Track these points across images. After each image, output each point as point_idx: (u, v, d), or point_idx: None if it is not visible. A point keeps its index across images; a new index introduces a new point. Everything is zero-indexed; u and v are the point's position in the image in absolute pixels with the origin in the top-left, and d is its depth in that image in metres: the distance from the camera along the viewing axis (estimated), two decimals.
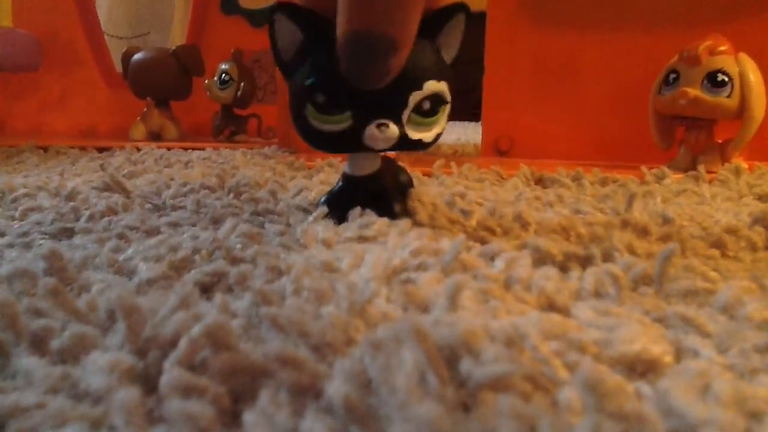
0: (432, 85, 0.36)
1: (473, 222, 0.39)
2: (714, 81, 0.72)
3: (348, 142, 0.36)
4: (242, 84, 1.15)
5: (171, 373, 0.17)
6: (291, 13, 0.36)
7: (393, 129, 0.35)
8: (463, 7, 0.37)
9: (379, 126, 0.35)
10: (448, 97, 0.37)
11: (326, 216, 0.39)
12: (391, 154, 0.72)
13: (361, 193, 0.40)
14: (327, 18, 0.34)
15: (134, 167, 0.72)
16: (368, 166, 0.40)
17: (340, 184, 0.41)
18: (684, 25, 0.87)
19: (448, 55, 0.38)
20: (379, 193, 0.40)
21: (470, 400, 0.16)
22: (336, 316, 0.21)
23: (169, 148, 0.96)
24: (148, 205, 0.46)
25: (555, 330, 0.21)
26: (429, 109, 0.36)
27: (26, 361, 0.19)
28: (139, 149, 0.93)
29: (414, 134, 0.36)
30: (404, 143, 0.36)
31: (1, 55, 1.21)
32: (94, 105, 1.38)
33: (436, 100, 0.36)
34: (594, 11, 0.93)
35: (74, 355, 0.20)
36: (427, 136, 0.37)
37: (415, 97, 0.35)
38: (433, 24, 0.37)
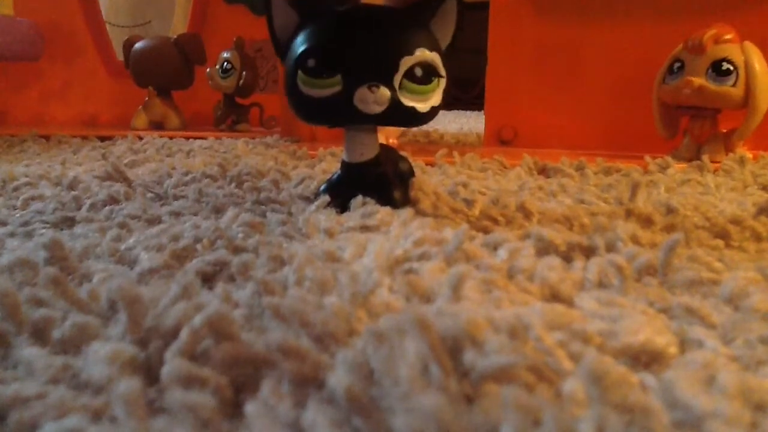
0: (424, 53, 0.36)
1: (476, 212, 0.39)
2: (719, 70, 0.71)
3: (338, 108, 0.36)
4: (244, 73, 1.15)
5: (172, 364, 0.17)
6: None
7: (384, 91, 0.35)
8: None
9: (370, 87, 0.35)
10: (442, 71, 0.37)
11: (328, 205, 0.39)
12: (393, 142, 0.72)
13: (361, 181, 0.40)
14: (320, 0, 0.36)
15: (136, 156, 0.72)
16: (365, 152, 0.40)
17: (339, 172, 0.41)
18: (689, 14, 0.86)
19: (443, 40, 0.38)
20: (378, 179, 0.40)
21: (473, 392, 0.16)
22: (338, 306, 0.21)
23: (170, 138, 0.96)
24: (149, 195, 0.46)
25: (559, 320, 0.20)
26: (422, 77, 0.36)
27: (27, 351, 0.19)
28: (140, 138, 0.93)
29: (407, 101, 0.36)
30: (397, 109, 0.36)
31: (2, 44, 1.20)
32: (96, 94, 1.38)
33: (429, 68, 0.36)
34: (598, 0, 0.92)
35: (75, 345, 0.19)
36: (421, 105, 0.37)
37: (406, 62, 0.35)
38: (425, 8, 0.37)
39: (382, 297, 0.23)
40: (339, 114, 0.37)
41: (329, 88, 0.36)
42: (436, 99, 0.37)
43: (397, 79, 0.36)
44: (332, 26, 0.37)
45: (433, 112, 0.38)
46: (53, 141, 0.93)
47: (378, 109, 0.35)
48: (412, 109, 0.36)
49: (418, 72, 0.36)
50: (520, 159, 0.68)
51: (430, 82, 0.36)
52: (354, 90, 0.35)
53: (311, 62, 0.36)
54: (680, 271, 0.27)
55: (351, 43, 0.36)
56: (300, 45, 0.37)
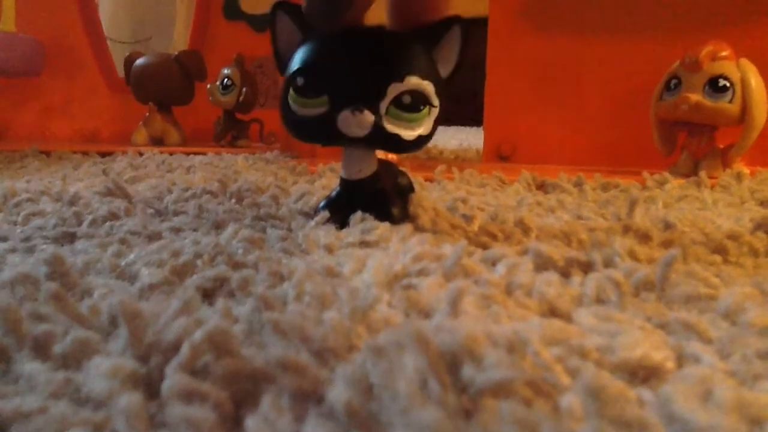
0: (414, 81, 0.35)
1: (475, 227, 0.39)
2: (715, 86, 0.72)
3: (324, 129, 0.36)
4: (244, 89, 1.15)
5: (173, 379, 0.17)
6: (292, 14, 0.38)
7: (368, 116, 0.35)
8: (459, 21, 0.37)
9: (353, 111, 0.35)
10: (435, 100, 0.36)
11: (328, 221, 0.39)
12: (393, 158, 0.73)
13: (359, 197, 0.40)
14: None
15: (136, 172, 0.72)
16: (363, 168, 0.40)
17: (338, 189, 0.41)
18: (685, 31, 0.87)
19: (445, 69, 0.38)
20: (377, 196, 0.40)
21: (472, 406, 0.16)
22: (338, 321, 0.21)
23: (171, 153, 0.96)
24: (150, 210, 0.46)
25: (557, 336, 0.21)
26: (410, 104, 0.36)
27: (28, 366, 0.19)
28: (141, 154, 0.93)
29: (391, 128, 0.36)
30: (380, 135, 0.36)
31: (4, 60, 1.21)
32: (97, 110, 1.38)
33: (419, 97, 0.36)
34: (595, 17, 0.93)
35: (76, 360, 0.20)
36: (406, 133, 0.36)
37: (394, 89, 0.35)
38: (429, 36, 0.37)
39: (382, 312, 0.23)
40: (324, 134, 0.37)
41: (316, 108, 0.36)
42: (425, 128, 0.37)
43: (384, 105, 0.35)
44: (325, 46, 0.37)
45: (420, 141, 0.37)
46: (54, 157, 0.94)
47: (360, 133, 0.35)
48: (396, 136, 0.36)
49: (407, 99, 0.35)
50: (519, 174, 0.68)
51: (418, 110, 0.36)
52: (338, 112, 0.35)
53: (300, 80, 0.36)
54: (678, 287, 0.28)
55: (340, 65, 0.36)
56: (295, 63, 0.37)
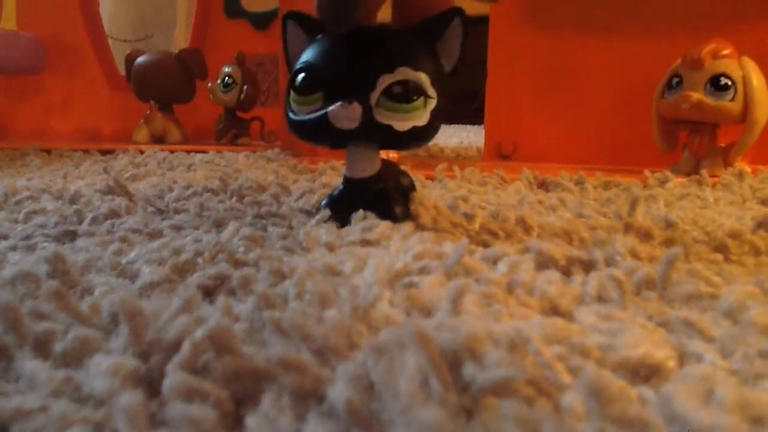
0: (405, 72, 0.36)
1: (476, 226, 0.39)
2: (717, 85, 0.72)
3: (318, 125, 0.37)
4: (245, 87, 1.15)
5: (174, 377, 0.17)
6: (300, 22, 0.39)
7: (356, 107, 0.35)
8: (459, 12, 0.38)
9: (342, 103, 0.35)
10: (430, 91, 0.36)
11: (329, 219, 0.39)
12: (393, 156, 0.73)
13: (362, 196, 0.40)
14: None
15: (137, 170, 0.72)
16: (367, 167, 0.40)
17: (341, 187, 0.41)
18: (687, 29, 0.87)
19: (449, 61, 0.38)
20: (379, 195, 0.40)
21: (473, 405, 0.16)
22: (339, 320, 0.21)
23: (172, 151, 0.96)
24: (151, 208, 0.46)
25: (558, 334, 0.21)
26: (401, 95, 0.36)
27: (29, 365, 0.19)
28: (142, 152, 0.93)
29: (382, 119, 0.36)
30: (372, 127, 0.36)
31: (5, 58, 1.21)
32: (98, 108, 1.38)
33: (411, 87, 0.36)
34: (597, 15, 0.93)
35: (77, 359, 0.20)
36: (399, 124, 0.36)
37: (384, 80, 0.36)
38: (431, 29, 0.38)
39: (383, 311, 0.23)
40: (319, 131, 0.37)
41: (313, 105, 0.37)
42: (420, 119, 0.36)
43: (374, 96, 0.36)
44: (322, 46, 0.38)
45: (416, 133, 0.37)
46: (55, 154, 0.94)
47: (349, 125, 0.36)
48: (388, 127, 0.36)
49: (397, 90, 0.36)
50: (520, 173, 0.68)
51: (410, 101, 0.36)
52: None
53: (298, 80, 0.37)
54: (679, 285, 0.27)
55: (332, 62, 0.37)
56: (297, 65, 0.38)
